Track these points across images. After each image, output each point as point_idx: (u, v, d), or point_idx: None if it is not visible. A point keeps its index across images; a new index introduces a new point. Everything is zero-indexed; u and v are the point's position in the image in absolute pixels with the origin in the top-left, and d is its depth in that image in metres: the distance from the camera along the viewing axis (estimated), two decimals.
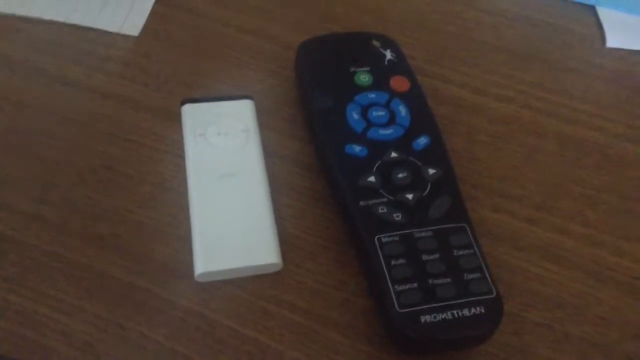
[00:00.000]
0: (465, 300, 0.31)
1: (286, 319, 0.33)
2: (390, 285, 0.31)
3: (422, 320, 0.30)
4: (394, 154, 0.36)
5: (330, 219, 0.36)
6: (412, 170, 0.35)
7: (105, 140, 0.39)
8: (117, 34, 0.45)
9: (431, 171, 0.35)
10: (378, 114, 0.37)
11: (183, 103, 0.39)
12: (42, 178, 0.37)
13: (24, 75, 0.41)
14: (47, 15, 0.45)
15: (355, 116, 0.37)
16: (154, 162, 0.38)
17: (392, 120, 0.37)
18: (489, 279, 0.32)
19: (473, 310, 0.30)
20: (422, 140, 0.36)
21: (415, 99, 0.39)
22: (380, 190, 0.34)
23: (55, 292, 0.33)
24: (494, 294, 0.31)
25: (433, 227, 0.33)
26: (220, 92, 0.42)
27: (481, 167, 0.40)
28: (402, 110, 0.38)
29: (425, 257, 0.32)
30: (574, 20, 0.50)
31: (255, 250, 0.34)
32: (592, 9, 0.51)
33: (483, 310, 0.30)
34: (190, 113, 0.39)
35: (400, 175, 0.35)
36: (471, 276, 0.32)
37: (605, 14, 0.50)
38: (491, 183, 0.39)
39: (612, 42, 0.48)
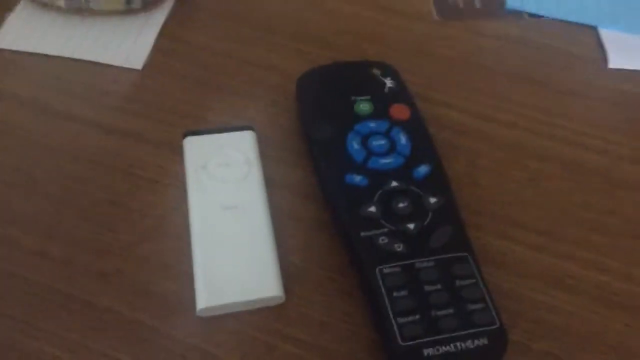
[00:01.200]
0: (469, 331, 0.30)
1: (290, 353, 0.33)
2: (392, 317, 0.31)
3: (425, 353, 0.30)
4: (394, 183, 0.36)
5: (334, 250, 0.36)
6: (413, 199, 0.35)
7: (109, 174, 0.39)
8: (121, 68, 0.45)
9: (432, 200, 0.35)
10: (378, 142, 0.37)
11: (185, 135, 0.40)
12: (47, 214, 0.37)
13: (30, 112, 0.42)
14: (53, 51, 0.46)
15: (356, 145, 0.37)
16: (157, 195, 0.38)
17: (392, 149, 0.37)
18: (493, 309, 0.31)
19: (477, 341, 0.30)
20: (423, 169, 0.36)
21: (415, 127, 0.39)
22: (381, 220, 0.34)
23: (60, 330, 0.33)
24: (498, 324, 0.31)
25: (435, 257, 0.33)
26: (223, 123, 0.42)
27: (484, 193, 0.40)
28: (403, 139, 0.38)
29: (427, 287, 0.32)
30: (575, 42, 0.50)
31: (257, 284, 0.34)
32: (593, 30, 0.50)
33: (487, 342, 0.30)
34: (192, 145, 0.39)
35: (401, 205, 0.34)
36: (474, 307, 0.31)
37: (607, 35, 0.50)
38: (494, 209, 0.39)
39: (614, 62, 0.48)
